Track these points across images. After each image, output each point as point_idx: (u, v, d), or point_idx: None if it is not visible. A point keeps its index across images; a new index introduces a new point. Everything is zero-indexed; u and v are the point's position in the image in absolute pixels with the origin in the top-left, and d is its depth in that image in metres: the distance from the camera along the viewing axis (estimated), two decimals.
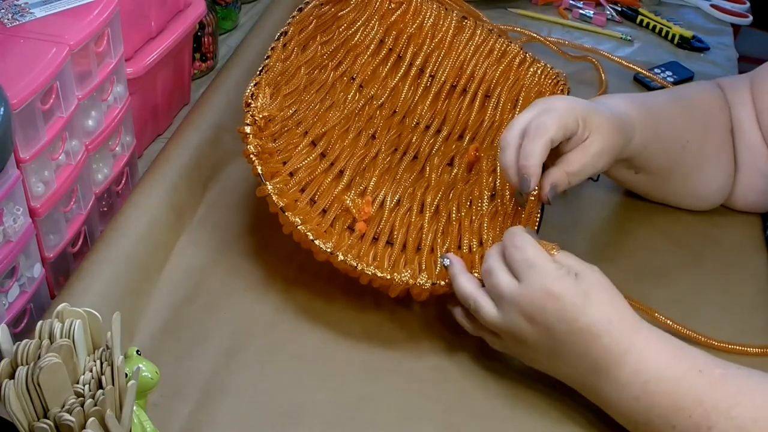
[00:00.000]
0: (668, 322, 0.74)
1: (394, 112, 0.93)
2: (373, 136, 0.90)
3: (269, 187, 0.71)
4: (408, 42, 0.96)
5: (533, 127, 0.68)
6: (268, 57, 0.81)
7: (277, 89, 0.81)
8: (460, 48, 0.96)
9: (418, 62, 0.95)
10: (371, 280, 0.69)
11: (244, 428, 0.64)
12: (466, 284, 0.67)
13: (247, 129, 0.73)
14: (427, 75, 0.95)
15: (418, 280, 0.69)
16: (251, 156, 0.72)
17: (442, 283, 0.69)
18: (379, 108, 0.93)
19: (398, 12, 0.95)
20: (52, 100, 0.65)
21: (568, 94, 0.89)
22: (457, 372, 0.70)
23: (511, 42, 0.95)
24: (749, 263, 0.85)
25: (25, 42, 0.66)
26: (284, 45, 0.84)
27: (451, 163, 0.90)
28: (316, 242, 0.69)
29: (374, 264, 0.70)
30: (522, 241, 0.65)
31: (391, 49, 0.95)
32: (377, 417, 0.66)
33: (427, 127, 0.93)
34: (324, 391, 0.68)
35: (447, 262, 0.69)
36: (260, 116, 0.74)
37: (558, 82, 0.91)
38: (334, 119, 0.87)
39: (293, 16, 0.86)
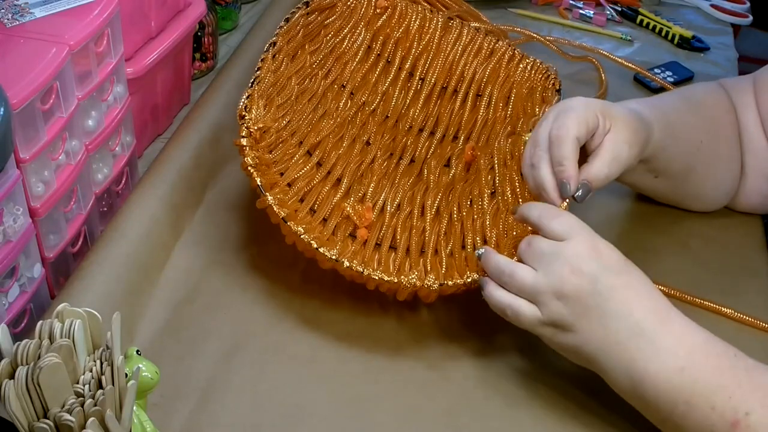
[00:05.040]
0: (697, 300, 0.78)
1: (387, 117, 0.93)
2: (368, 143, 0.90)
3: (269, 198, 0.71)
4: (396, 46, 0.95)
5: (555, 133, 0.68)
6: (258, 69, 0.81)
7: (270, 100, 0.81)
8: (448, 49, 0.95)
9: (407, 66, 0.95)
10: (378, 284, 0.69)
11: (244, 428, 0.64)
12: (500, 258, 0.66)
13: (243, 141, 0.73)
14: (417, 78, 0.95)
15: (426, 281, 0.68)
16: (249, 168, 0.72)
17: (450, 283, 0.69)
18: (372, 114, 0.92)
19: (384, 17, 0.95)
20: (52, 100, 0.65)
21: (559, 87, 0.89)
22: (457, 372, 0.70)
23: (498, 39, 0.95)
24: (749, 263, 0.85)
25: (25, 42, 0.66)
26: (273, 56, 0.84)
27: (448, 164, 0.89)
28: (321, 250, 0.69)
29: (380, 268, 0.70)
30: (560, 214, 0.65)
31: (379, 54, 0.95)
32: (377, 417, 0.66)
33: (421, 130, 0.93)
34: (324, 391, 0.68)
35: (480, 251, 0.68)
36: (255, 128, 0.75)
37: (549, 76, 0.91)
38: (328, 128, 0.87)
39: (281, 27, 0.86)
